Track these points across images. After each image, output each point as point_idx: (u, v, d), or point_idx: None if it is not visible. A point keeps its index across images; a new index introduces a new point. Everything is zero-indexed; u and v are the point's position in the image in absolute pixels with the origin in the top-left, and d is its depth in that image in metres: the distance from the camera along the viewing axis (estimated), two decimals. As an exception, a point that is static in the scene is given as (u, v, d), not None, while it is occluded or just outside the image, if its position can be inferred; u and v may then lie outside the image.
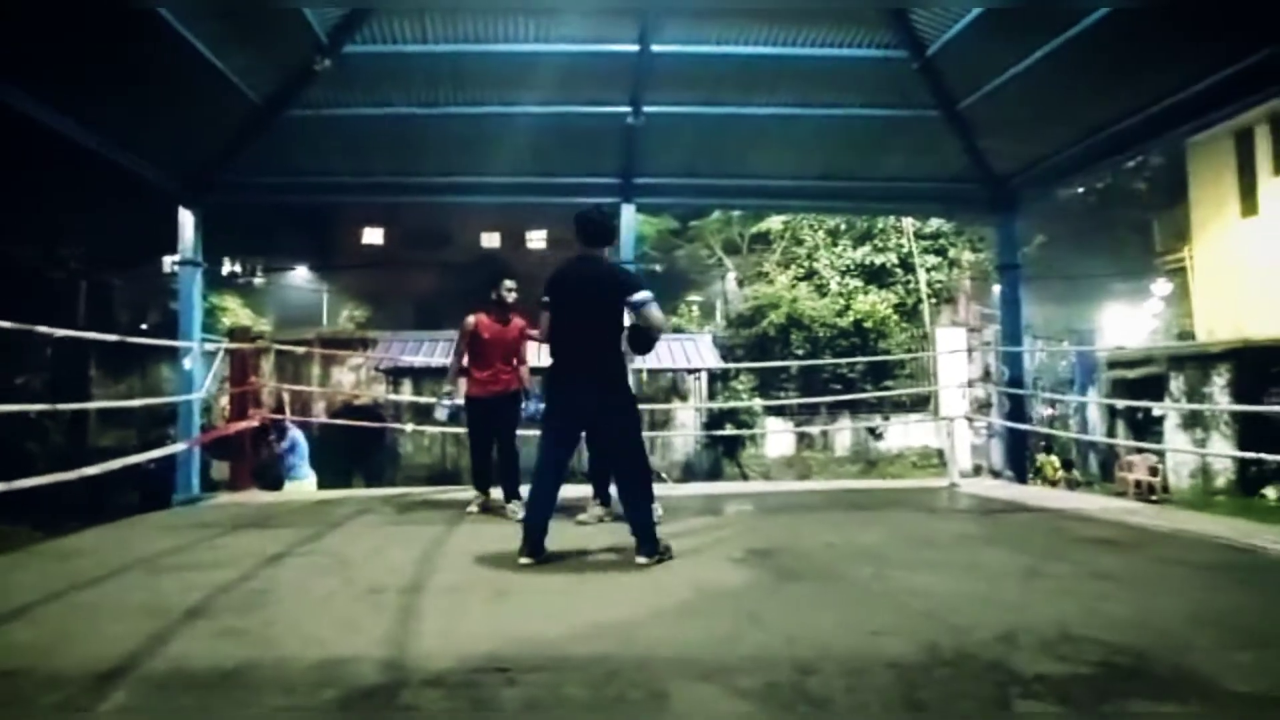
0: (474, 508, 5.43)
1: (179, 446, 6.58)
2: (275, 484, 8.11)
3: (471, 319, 5.32)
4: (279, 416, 8.94)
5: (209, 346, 7.37)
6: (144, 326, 17.82)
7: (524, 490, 4.67)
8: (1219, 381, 11.95)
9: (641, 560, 3.72)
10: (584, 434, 4.80)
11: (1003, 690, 2.14)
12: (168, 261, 26.14)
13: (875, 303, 19.65)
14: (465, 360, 5.41)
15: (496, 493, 5.43)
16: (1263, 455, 7.90)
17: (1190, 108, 5.71)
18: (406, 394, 16.04)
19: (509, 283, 5.38)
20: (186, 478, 6.68)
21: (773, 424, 17.64)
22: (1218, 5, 4.83)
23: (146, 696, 2.16)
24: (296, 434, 8.43)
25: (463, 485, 6.92)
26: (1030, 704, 2.05)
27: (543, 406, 5.16)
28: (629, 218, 7.57)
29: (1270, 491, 10.80)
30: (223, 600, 3.15)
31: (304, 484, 8.19)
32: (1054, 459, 14.20)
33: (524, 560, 3.75)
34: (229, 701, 2.11)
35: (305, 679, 2.27)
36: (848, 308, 19.55)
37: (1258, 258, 14.46)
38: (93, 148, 6.07)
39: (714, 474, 16.15)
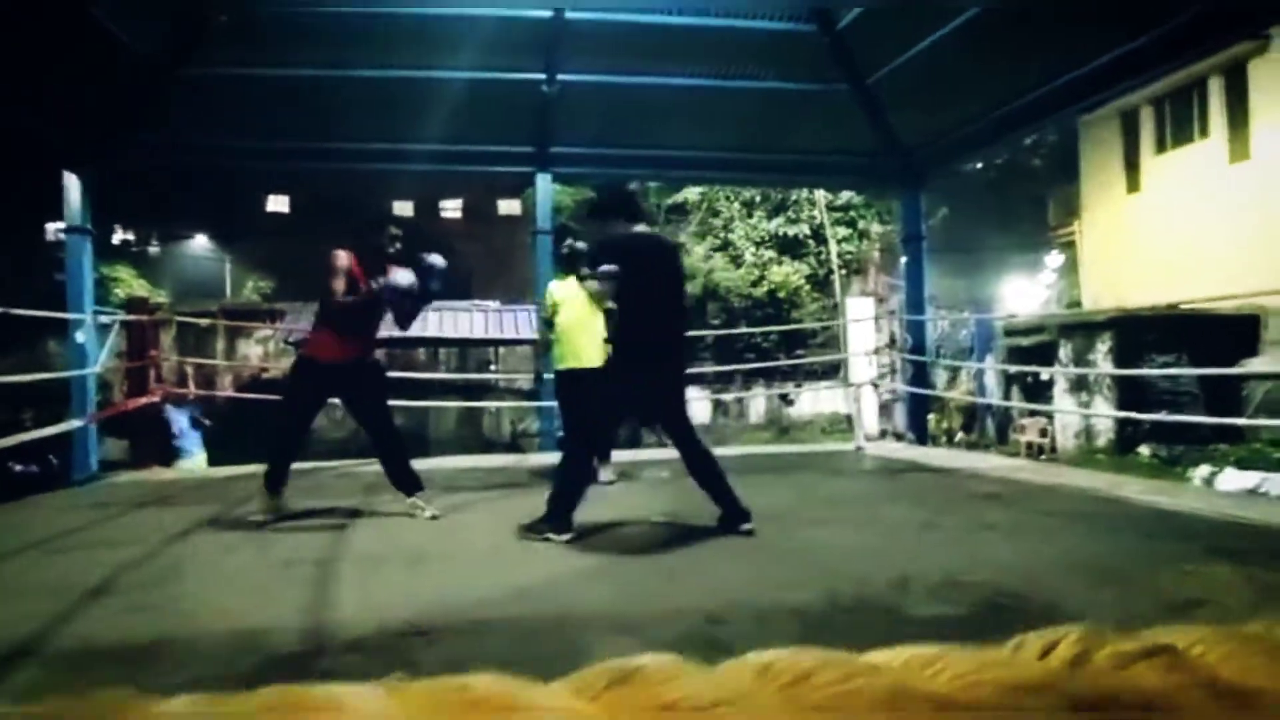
0: (260, 515, 4.05)
1: (73, 423, 6.25)
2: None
3: (344, 255, 3.95)
4: (182, 391, 8.59)
5: (104, 319, 6.98)
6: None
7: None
8: (1102, 348, 12.79)
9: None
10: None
11: (895, 631, 2.32)
12: (51, 229, 24.33)
13: (789, 273, 20.13)
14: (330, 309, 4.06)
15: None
16: (1135, 415, 8.53)
17: (1081, 87, 6.07)
18: (318, 367, 15.53)
19: (394, 229, 4.17)
20: (83, 456, 6.38)
21: (689, 393, 17.93)
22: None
23: (55, 673, 2.11)
24: (171, 412, 8.11)
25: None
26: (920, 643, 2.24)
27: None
28: (545, 187, 7.54)
29: (1144, 449, 11.70)
30: (129, 577, 3.06)
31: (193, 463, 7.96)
32: (932, 416, 15.09)
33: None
34: (144, 673, 2.08)
35: (222, 649, 2.26)
36: (762, 278, 19.99)
37: (1139, 232, 15.53)
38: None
39: (633, 442, 16.32)
